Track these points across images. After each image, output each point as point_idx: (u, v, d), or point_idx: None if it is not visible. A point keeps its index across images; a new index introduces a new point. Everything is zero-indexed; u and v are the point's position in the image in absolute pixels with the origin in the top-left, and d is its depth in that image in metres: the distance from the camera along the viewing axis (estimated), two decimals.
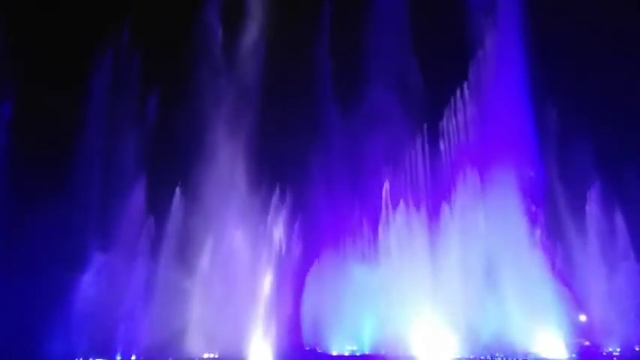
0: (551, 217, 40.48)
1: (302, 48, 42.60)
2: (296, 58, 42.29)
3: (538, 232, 39.27)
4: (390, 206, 39.86)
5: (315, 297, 38.71)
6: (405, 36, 42.74)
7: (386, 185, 39.96)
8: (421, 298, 37.19)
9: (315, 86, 42.39)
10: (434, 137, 41.38)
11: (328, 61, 43.03)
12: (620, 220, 40.29)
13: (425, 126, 41.66)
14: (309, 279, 39.24)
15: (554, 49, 40.59)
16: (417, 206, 39.52)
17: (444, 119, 41.36)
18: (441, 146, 41.10)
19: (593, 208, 40.65)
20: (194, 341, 36.95)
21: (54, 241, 36.29)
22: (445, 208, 39.27)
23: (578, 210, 40.82)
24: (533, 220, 38.97)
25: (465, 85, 41.39)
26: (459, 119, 41.18)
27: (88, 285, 36.77)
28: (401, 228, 39.18)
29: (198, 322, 37.53)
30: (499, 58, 40.78)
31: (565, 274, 39.46)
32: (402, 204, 39.49)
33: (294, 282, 38.87)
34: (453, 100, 41.56)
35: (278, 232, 39.37)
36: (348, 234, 40.55)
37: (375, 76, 42.04)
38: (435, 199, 39.73)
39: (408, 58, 42.49)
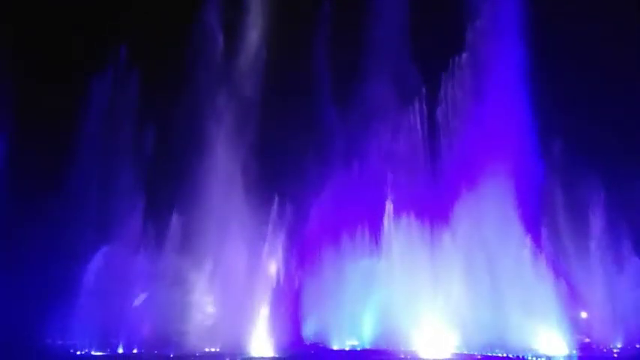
0: (551, 216, 40.58)
1: (301, 49, 42.93)
2: (295, 62, 42.48)
3: (540, 231, 39.28)
4: (391, 212, 39.82)
5: (315, 291, 38.81)
6: (405, 36, 42.91)
7: (388, 203, 39.76)
8: (422, 294, 37.19)
9: (315, 89, 42.71)
10: (434, 141, 41.59)
11: (327, 62, 43.30)
12: (621, 218, 40.45)
13: (426, 128, 41.94)
14: (309, 274, 39.36)
15: (555, 47, 40.81)
16: (419, 209, 39.47)
17: (442, 117, 41.68)
18: (443, 149, 41.23)
19: (595, 207, 40.77)
20: (196, 335, 37.12)
21: (54, 240, 36.62)
22: (447, 212, 39.28)
23: (579, 208, 40.90)
24: (534, 219, 38.92)
25: (459, 75, 41.75)
26: (459, 119, 41.35)
27: (90, 279, 36.97)
28: (403, 231, 39.13)
29: (199, 317, 37.80)
30: (497, 60, 40.93)
31: (566, 271, 39.50)
32: (404, 216, 39.39)
33: (295, 277, 39.03)
34: (452, 101, 41.81)
35: (278, 231, 39.45)
36: (349, 230, 40.58)
37: (375, 78, 42.35)
38: (436, 202, 39.70)
39: (408, 59, 42.72)
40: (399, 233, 39.07)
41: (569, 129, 40.39)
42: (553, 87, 39.14)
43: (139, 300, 37.39)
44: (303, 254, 40.08)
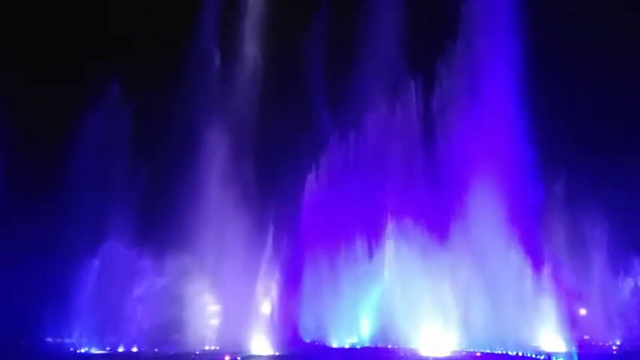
0: (551, 215, 40.66)
1: (297, 52, 42.96)
2: (291, 68, 42.46)
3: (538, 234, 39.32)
4: (392, 219, 39.87)
5: (315, 291, 38.87)
6: (402, 41, 42.93)
7: (389, 211, 39.81)
8: (422, 293, 37.25)
9: (311, 94, 42.67)
10: (433, 152, 41.37)
11: (323, 65, 43.12)
12: (620, 220, 40.58)
13: (423, 128, 42.04)
14: (309, 273, 39.44)
15: (551, 38, 40.52)
16: (417, 217, 39.50)
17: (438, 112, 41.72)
18: (440, 152, 41.04)
19: (595, 214, 40.88)
20: (195, 334, 37.26)
21: (53, 240, 36.64)
22: (446, 219, 39.30)
23: (578, 213, 41.04)
24: (531, 224, 39.00)
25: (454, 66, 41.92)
26: (454, 117, 41.23)
27: (90, 278, 37.08)
28: (402, 238, 39.19)
29: (199, 315, 37.92)
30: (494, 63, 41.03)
31: (566, 269, 39.64)
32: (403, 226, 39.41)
33: (294, 275, 39.09)
34: (447, 97, 41.80)
35: (279, 232, 39.43)
36: (349, 232, 40.57)
37: (372, 80, 42.48)
38: (434, 206, 39.72)
39: (405, 57, 42.80)
40: (398, 241, 39.11)
41: (568, 134, 40.79)
42: (550, 82, 39.29)
43: (138, 294, 37.45)
44: (303, 255, 40.13)
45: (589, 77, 40.91)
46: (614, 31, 41.43)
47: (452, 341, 36.45)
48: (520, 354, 34.82)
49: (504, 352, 35.17)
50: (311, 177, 41.32)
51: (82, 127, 39.88)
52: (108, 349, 36.84)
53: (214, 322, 38.16)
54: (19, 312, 35.40)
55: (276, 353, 35.98)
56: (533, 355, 34.69)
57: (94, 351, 36.59)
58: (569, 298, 38.69)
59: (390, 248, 39.39)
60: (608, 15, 41.33)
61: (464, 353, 35.36)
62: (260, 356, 35.51)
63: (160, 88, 38.73)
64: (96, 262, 37.27)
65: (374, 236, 40.10)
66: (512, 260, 37.63)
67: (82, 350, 36.56)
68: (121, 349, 36.89)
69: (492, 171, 38.64)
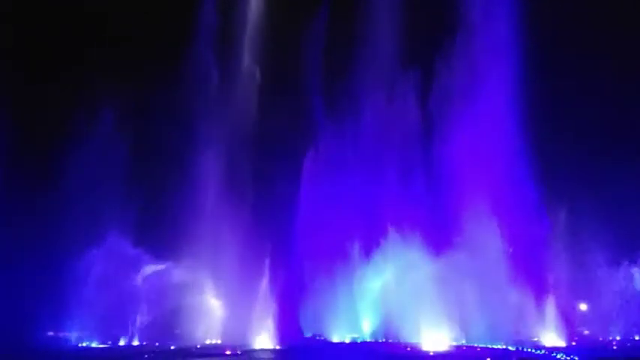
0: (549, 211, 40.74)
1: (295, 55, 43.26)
2: (289, 74, 42.71)
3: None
4: (391, 217, 39.98)
5: (315, 286, 39.01)
6: (401, 39, 43.15)
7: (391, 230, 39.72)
8: (423, 290, 37.34)
9: (309, 104, 42.80)
10: (431, 152, 41.29)
11: (321, 73, 43.28)
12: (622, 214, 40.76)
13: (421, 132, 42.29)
14: (308, 268, 39.59)
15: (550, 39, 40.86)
16: (417, 213, 39.64)
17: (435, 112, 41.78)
18: (440, 158, 41.02)
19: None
20: (196, 328, 37.28)
21: (53, 236, 36.81)
22: (443, 215, 39.43)
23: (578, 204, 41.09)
24: (532, 221, 39.15)
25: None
26: (452, 120, 41.24)
27: (91, 273, 37.13)
28: (401, 236, 39.32)
29: (200, 310, 37.97)
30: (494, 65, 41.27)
31: (567, 264, 39.79)
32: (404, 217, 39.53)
33: (295, 272, 39.19)
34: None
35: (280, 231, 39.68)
36: (348, 231, 40.67)
37: (370, 88, 42.85)
38: (433, 206, 39.85)
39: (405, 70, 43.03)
40: (397, 238, 39.17)
41: (567, 134, 40.99)
42: (550, 82, 39.35)
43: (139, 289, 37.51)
44: (303, 252, 40.24)
45: (589, 76, 41.03)
46: (614, 28, 41.66)
47: (452, 336, 36.57)
48: (520, 349, 34.92)
49: (504, 346, 35.28)
50: (309, 176, 41.53)
51: (81, 127, 39.98)
52: (109, 342, 37.00)
53: (216, 316, 38.16)
54: (20, 307, 35.44)
55: (277, 347, 36.03)
56: (533, 350, 34.77)
57: (96, 345, 36.74)
58: (568, 295, 38.86)
59: (390, 246, 39.46)
60: (607, 12, 41.67)
61: (464, 348, 35.36)
62: (261, 350, 35.48)
63: (159, 88, 38.95)
64: (97, 257, 37.30)
65: (373, 234, 40.13)
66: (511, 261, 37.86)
67: (84, 344, 36.69)
68: (122, 343, 37.01)
69: (489, 170, 38.83)
